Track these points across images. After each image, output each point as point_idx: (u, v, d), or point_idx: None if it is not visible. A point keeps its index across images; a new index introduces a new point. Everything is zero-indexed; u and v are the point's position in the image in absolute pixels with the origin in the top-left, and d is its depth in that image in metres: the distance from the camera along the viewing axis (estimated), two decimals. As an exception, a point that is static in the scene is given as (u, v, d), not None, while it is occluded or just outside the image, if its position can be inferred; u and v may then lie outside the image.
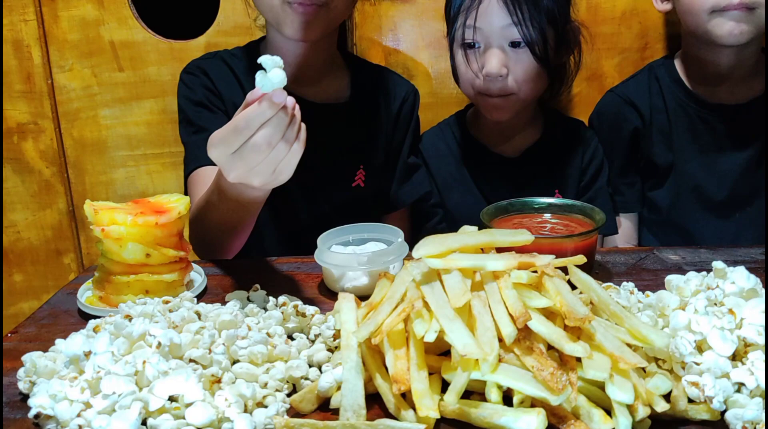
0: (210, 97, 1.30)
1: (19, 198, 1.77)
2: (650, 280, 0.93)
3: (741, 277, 0.68)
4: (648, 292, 0.78)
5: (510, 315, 0.63)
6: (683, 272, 0.94)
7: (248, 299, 0.88)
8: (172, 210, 0.88)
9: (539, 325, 0.63)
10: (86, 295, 0.92)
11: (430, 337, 0.63)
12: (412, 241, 1.50)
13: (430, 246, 0.69)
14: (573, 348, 0.60)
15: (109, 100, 1.69)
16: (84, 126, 1.71)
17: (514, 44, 1.26)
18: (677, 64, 1.43)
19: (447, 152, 1.47)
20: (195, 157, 1.24)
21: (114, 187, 1.76)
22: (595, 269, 0.96)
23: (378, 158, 1.40)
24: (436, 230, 1.44)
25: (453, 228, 1.45)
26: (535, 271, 0.69)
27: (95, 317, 0.87)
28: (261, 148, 0.78)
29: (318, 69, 1.34)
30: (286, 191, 1.34)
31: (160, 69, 1.65)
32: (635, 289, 0.80)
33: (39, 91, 1.66)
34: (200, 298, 0.93)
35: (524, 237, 0.74)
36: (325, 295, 0.93)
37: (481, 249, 0.73)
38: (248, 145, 0.78)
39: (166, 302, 0.76)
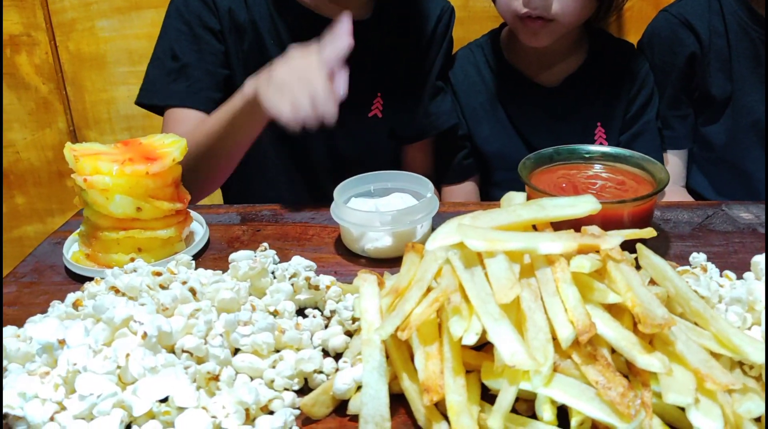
0: (202, 12, 1.12)
1: (17, 116, 1.66)
2: (721, 245, 0.80)
3: None
4: (728, 273, 0.65)
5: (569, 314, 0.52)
6: (758, 236, 0.83)
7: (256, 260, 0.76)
8: (166, 156, 0.76)
9: (605, 326, 0.52)
10: (73, 250, 0.81)
11: (470, 340, 0.51)
12: (435, 178, 1.38)
13: (454, 233, 0.56)
14: (649, 361, 0.49)
15: (107, 10, 1.55)
16: (81, 39, 1.57)
17: None
18: None
19: (478, 79, 1.32)
20: (169, 94, 1.14)
21: (116, 106, 1.64)
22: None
23: (399, 85, 1.24)
24: (461, 167, 1.31)
25: (480, 165, 1.34)
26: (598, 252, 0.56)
27: (81, 276, 0.77)
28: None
29: None
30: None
31: (161, -26, 1.48)
32: (708, 264, 0.67)
33: (31, -1, 1.52)
34: (201, 254, 0.82)
35: (588, 206, 0.61)
36: (344, 254, 0.82)
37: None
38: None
39: (157, 274, 0.65)
